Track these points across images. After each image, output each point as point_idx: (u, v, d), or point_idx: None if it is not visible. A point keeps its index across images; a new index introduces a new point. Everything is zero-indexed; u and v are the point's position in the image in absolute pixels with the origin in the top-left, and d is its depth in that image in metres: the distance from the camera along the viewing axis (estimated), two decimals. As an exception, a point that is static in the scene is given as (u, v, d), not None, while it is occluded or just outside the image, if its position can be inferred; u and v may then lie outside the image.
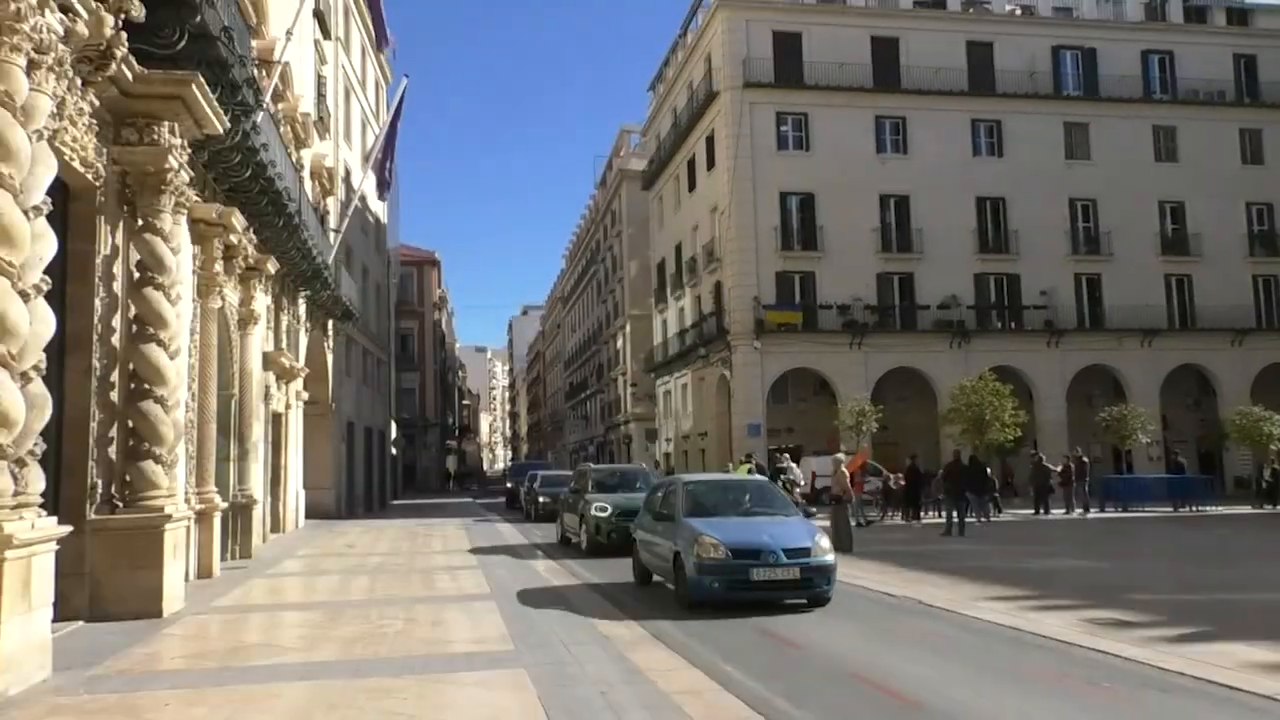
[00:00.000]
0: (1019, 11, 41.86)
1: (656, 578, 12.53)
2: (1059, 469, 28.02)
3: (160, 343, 10.62)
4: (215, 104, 11.29)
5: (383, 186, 28.35)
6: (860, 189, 37.47)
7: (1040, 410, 37.13)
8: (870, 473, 27.00)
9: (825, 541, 10.81)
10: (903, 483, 26.01)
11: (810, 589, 10.56)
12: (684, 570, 10.68)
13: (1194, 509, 27.96)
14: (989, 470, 25.78)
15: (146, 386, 10.54)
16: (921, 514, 25.66)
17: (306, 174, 23.87)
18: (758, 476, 17.31)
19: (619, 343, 59.19)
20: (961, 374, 33.21)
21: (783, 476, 24.12)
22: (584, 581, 13.57)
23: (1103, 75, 40.12)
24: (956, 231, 37.88)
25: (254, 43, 15.49)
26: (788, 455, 28.16)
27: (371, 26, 36.53)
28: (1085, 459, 29.09)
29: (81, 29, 8.21)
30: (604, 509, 17.02)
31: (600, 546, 16.72)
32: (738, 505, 12.23)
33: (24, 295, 7.12)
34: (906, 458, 27.08)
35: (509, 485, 38.82)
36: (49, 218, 7.77)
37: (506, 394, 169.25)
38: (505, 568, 15.05)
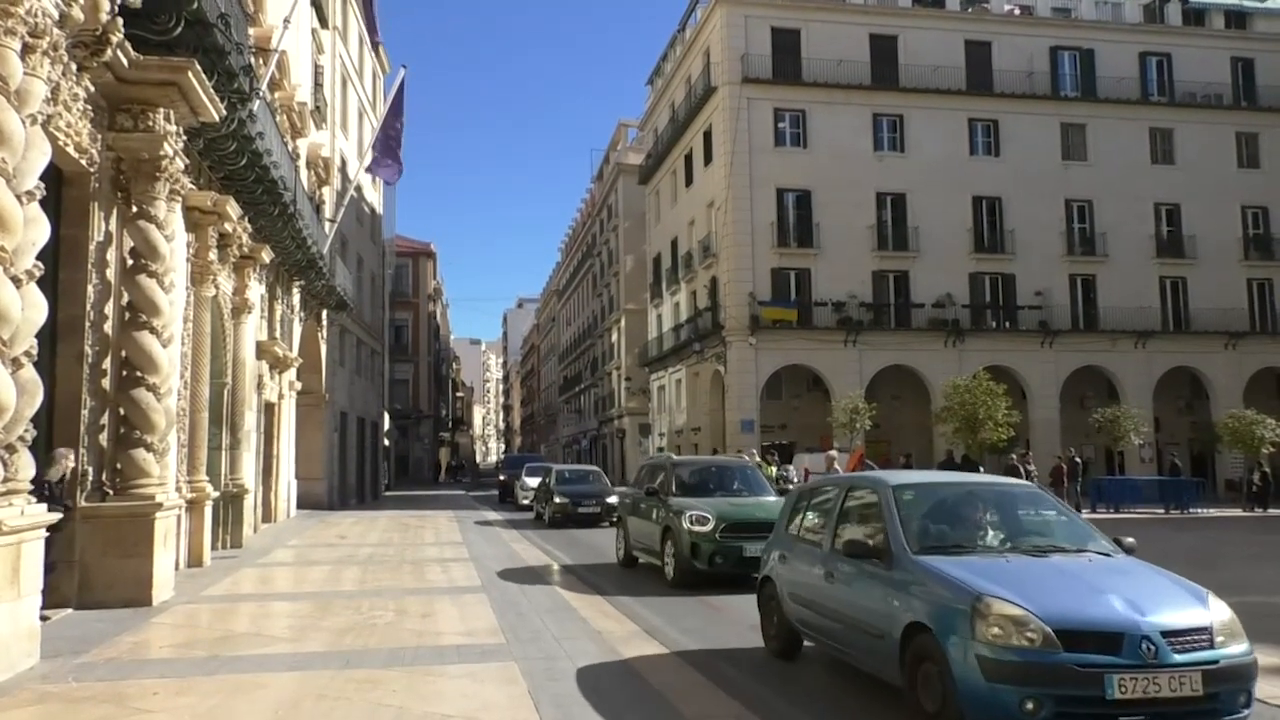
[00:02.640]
0: (1017, 11, 41.84)
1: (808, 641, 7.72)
2: (1032, 470, 27.88)
3: (153, 330, 10.59)
4: (211, 91, 11.24)
5: (388, 169, 27.30)
6: (857, 186, 37.47)
7: (1033, 410, 37.19)
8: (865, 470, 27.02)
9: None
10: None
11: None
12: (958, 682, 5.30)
13: (1185, 511, 28.06)
14: (981, 469, 25.82)
15: (139, 374, 10.51)
16: None
17: (303, 163, 23.79)
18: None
19: (614, 337, 59.16)
20: (955, 373, 33.25)
21: (776, 473, 24.13)
22: (577, 576, 13.57)
23: (1100, 76, 40.15)
24: (952, 230, 37.91)
25: (251, 30, 15.42)
26: (776, 454, 28.17)
27: (369, 17, 36.39)
28: (1078, 459, 29.13)
29: (77, 13, 8.16)
30: (704, 521, 12.11)
31: (698, 575, 12.12)
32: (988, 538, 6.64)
33: (16, 281, 7.09)
34: (900, 457, 27.11)
35: (502, 478, 38.30)
36: (42, 203, 7.73)
37: (500, 387, 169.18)
38: (496, 560, 15.05)
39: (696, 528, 12.08)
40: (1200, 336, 38.99)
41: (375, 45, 38.48)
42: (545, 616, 9.67)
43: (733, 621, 9.91)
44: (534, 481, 29.09)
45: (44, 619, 8.14)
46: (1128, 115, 40.10)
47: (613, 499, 22.22)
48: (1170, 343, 38.88)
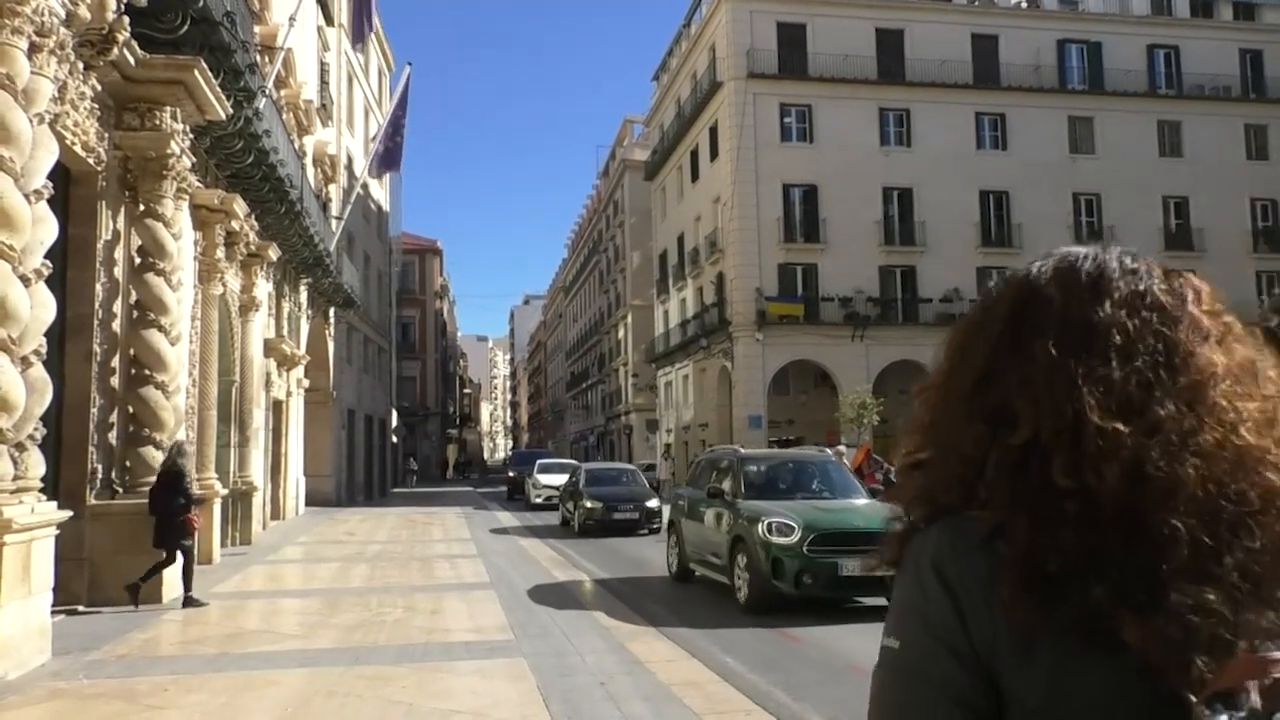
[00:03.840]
0: (1024, 4, 41.72)
1: None
2: None
3: (161, 328, 10.62)
4: (217, 89, 11.26)
5: (390, 164, 27.18)
6: (863, 181, 37.36)
7: (1041, 404, 37.01)
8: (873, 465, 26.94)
9: None
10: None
11: None
12: None
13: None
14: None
15: (147, 372, 10.53)
16: None
17: (309, 161, 23.81)
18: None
19: (620, 333, 59.14)
20: (963, 367, 33.09)
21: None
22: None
23: (1108, 69, 39.96)
24: (959, 225, 37.79)
25: (256, 28, 15.44)
26: (776, 446, 28.09)
27: (359, 16, 36.27)
28: None
29: (83, 12, 8.18)
30: (787, 530, 9.81)
31: (778, 597, 9.80)
32: None
33: (25, 280, 7.10)
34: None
35: (511, 475, 37.09)
36: (50, 202, 7.75)
37: (507, 383, 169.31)
38: (505, 556, 15.06)
39: (778, 539, 9.76)
40: (1209, 330, 38.74)
41: (362, 36, 38.15)
42: (554, 614, 9.64)
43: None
44: (547, 479, 28.33)
45: (73, 612, 8.18)
46: (1135, 108, 39.91)
47: (653, 502, 20.50)
48: (1179, 336, 38.64)
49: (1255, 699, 0.87)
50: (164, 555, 9.83)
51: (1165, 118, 40.45)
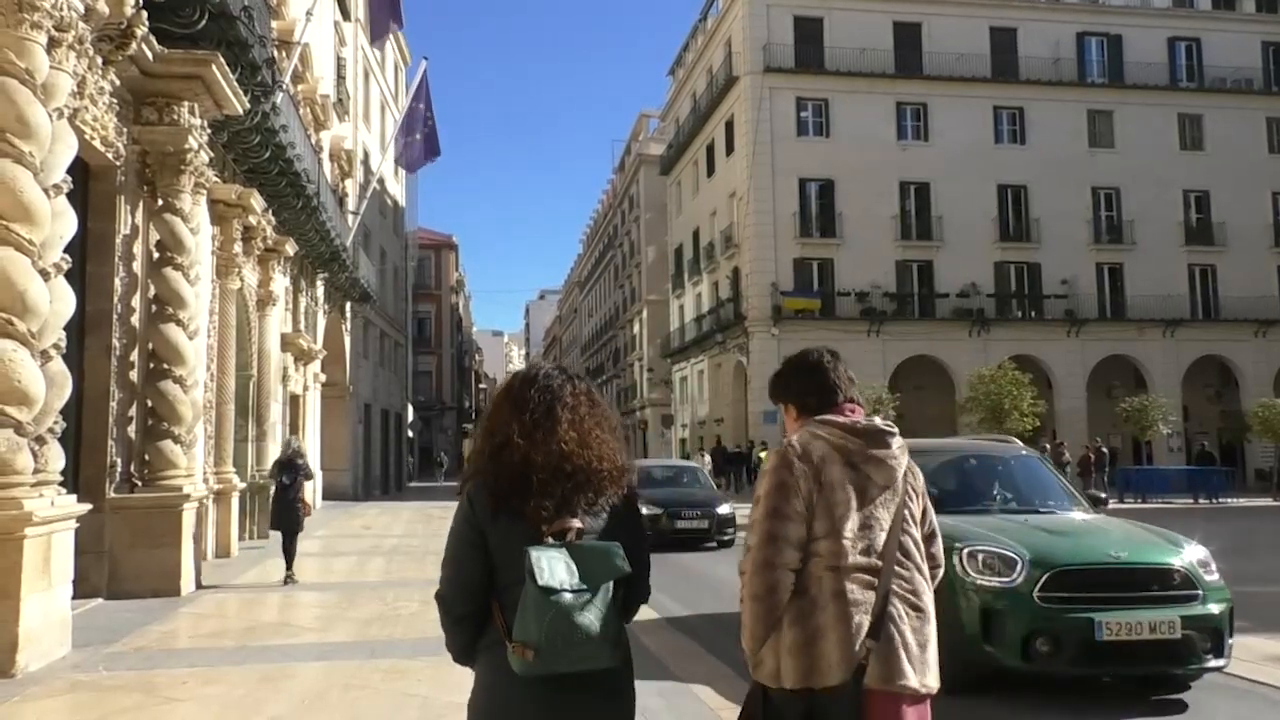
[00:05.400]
0: (1044, -3, 41.38)
1: None
2: (1066, 459, 27.64)
3: (179, 323, 10.66)
4: (235, 84, 11.29)
5: (431, 152, 26.13)
6: (880, 176, 37.20)
7: (1059, 400, 36.86)
8: None
9: None
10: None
11: None
12: None
13: (1214, 501, 27.72)
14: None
15: (165, 366, 10.58)
16: None
17: (325, 156, 23.88)
18: None
19: (635, 328, 59.10)
20: (980, 363, 32.99)
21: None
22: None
23: (1128, 62, 39.62)
24: (977, 219, 37.57)
25: (274, 23, 15.47)
26: (767, 443, 27.94)
27: (380, 14, 36.31)
28: (1105, 449, 28.84)
29: (102, 7, 8.20)
30: (1006, 564, 6.27)
31: (992, 671, 6.28)
32: None
33: (44, 274, 7.14)
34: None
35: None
36: (69, 197, 7.78)
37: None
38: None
39: (989, 579, 6.18)
40: (1230, 324, 38.47)
41: (382, 33, 38.06)
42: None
43: None
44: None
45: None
46: (1156, 101, 39.56)
47: (724, 508, 16.66)
48: (1199, 331, 38.40)
49: (571, 537, 2.24)
50: (285, 536, 11.52)
51: (1186, 111, 40.08)
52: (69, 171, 7.69)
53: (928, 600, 2.57)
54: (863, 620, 2.45)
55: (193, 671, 6.87)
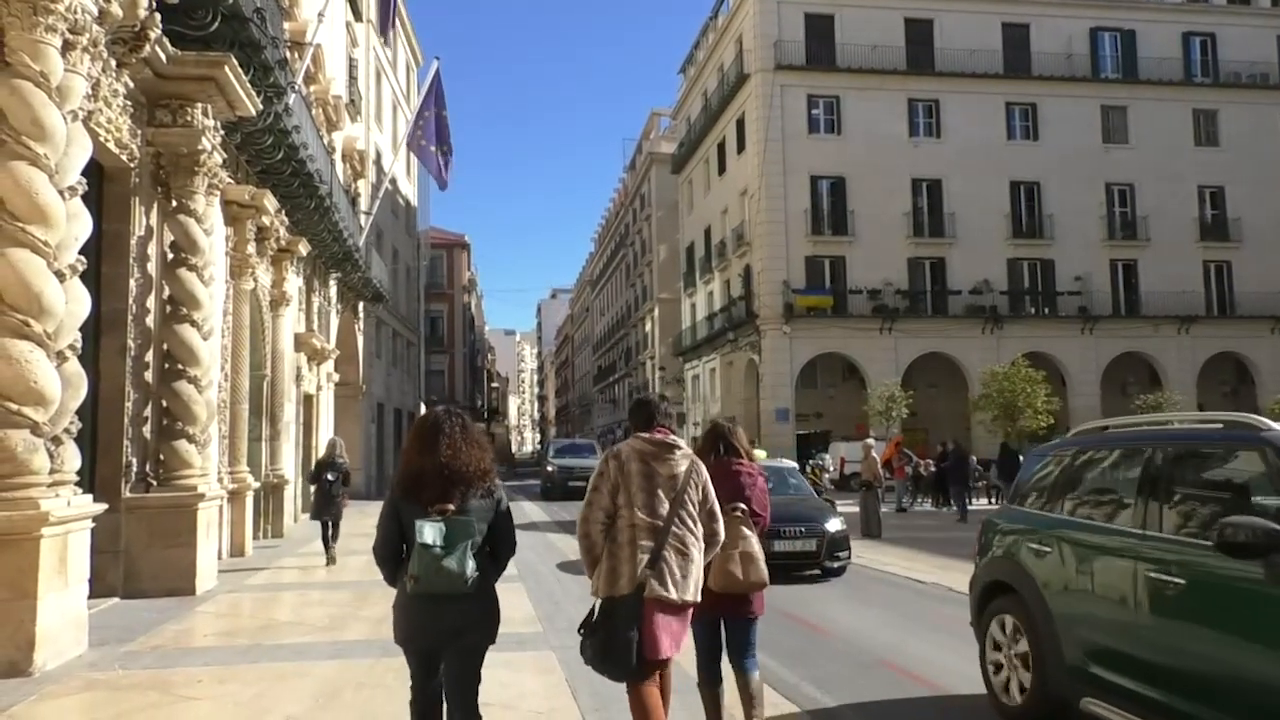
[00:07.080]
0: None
1: None
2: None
3: (194, 323, 10.72)
4: (248, 86, 11.33)
5: (433, 157, 25.98)
6: (892, 172, 37.09)
7: (1073, 397, 36.68)
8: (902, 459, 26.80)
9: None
10: (932, 469, 25.78)
11: None
12: None
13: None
14: (1022, 459, 25.44)
15: (180, 366, 10.64)
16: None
17: (338, 156, 23.95)
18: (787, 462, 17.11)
19: (647, 326, 59.12)
20: (993, 360, 32.89)
21: (811, 463, 24.04)
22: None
23: (1142, 57, 39.37)
24: (990, 216, 37.43)
25: (286, 24, 15.53)
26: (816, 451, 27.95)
27: (385, 8, 36.39)
28: (951, 445, 28.58)
29: (116, 9, 8.25)
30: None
31: None
32: None
33: (60, 275, 7.19)
34: (938, 445, 26.83)
35: (550, 470, 30.72)
36: (84, 198, 7.83)
37: (535, 377, 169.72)
38: (533, 549, 15.10)
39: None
40: (1246, 321, 38.21)
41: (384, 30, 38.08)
42: (583, 606, 9.62)
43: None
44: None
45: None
46: (1170, 96, 39.31)
47: (835, 524, 12.08)
48: (1214, 327, 38.15)
49: (447, 513, 3.81)
50: (325, 526, 13.17)
51: (1201, 106, 39.82)
52: (84, 173, 7.74)
53: (694, 550, 4.30)
54: (644, 557, 4.18)
55: (208, 670, 6.91)
